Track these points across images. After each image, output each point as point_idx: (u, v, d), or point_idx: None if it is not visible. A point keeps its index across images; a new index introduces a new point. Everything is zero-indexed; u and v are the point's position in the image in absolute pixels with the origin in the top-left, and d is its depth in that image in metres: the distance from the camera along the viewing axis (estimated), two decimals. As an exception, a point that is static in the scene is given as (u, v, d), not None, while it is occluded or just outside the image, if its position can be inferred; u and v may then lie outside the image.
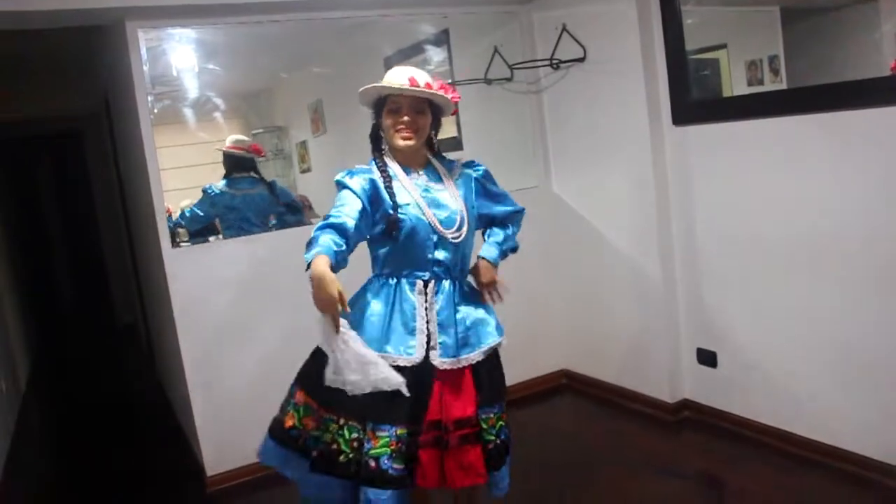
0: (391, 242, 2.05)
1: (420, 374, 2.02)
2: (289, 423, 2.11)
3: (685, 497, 2.81)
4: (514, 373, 3.70)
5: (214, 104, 3.41)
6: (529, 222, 3.90)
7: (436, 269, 2.08)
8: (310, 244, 1.88)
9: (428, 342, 2.05)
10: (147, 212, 3.35)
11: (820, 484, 2.74)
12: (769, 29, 3.12)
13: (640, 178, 3.37)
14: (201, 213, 3.39)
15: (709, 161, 3.15)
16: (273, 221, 3.50)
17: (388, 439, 1.97)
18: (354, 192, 1.99)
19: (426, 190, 2.10)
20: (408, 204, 2.05)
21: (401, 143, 2.07)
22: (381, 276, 2.12)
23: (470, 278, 2.25)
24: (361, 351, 1.91)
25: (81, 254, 7.78)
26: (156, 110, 3.17)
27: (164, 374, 4.63)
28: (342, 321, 1.89)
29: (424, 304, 2.07)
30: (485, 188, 2.25)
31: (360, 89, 2.09)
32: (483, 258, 2.25)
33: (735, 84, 3.19)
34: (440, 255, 2.08)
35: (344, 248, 1.88)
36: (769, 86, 3.08)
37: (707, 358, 3.32)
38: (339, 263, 1.86)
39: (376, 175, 2.06)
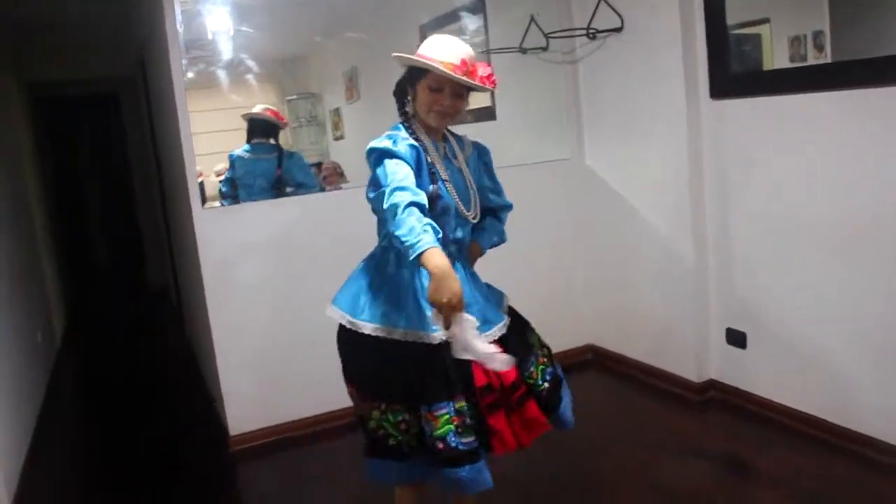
0: None
1: (449, 347, 1.90)
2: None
3: (707, 478, 2.78)
4: (539, 346, 3.72)
5: (248, 68, 3.40)
6: (560, 194, 3.94)
7: (452, 248, 2.01)
8: (402, 223, 1.72)
9: None
10: (179, 173, 3.37)
11: (849, 473, 2.67)
12: (814, 3, 3.01)
13: (674, 153, 3.30)
14: (228, 177, 3.44)
15: (746, 137, 3.06)
16: (289, 190, 3.50)
17: (448, 416, 1.88)
18: (408, 163, 1.89)
19: (449, 165, 2.04)
20: (443, 179, 1.99)
21: (435, 122, 1.99)
22: (392, 248, 1.96)
23: None
24: (479, 346, 1.81)
25: (116, 216, 7.91)
26: (190, 74, 3.17)
27: (193, 335, 4.71)
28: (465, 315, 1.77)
29: None
30: (489, 173, 2.18)
31: (404, 56, 1.98)
32: (475, 243, 2.18)
33: (777, 60, 3.07)
34: (460, 233, 2.03)
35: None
36: (812, 62, 2.98)
37: (737, 339, 3.26)
38: None
39: (413, 143, 1.96)
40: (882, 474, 2.62)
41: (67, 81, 6.43)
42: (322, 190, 3.56)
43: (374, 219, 2.01)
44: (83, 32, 5.73)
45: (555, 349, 3.84)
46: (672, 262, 3.43)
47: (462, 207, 2.01)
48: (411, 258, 1.71)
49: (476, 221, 2.07)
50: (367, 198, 1.95)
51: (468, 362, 1.92)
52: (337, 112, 3.75)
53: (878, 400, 2.70)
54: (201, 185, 3.31)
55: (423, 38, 2.05)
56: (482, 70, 1.96)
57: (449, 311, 1.71)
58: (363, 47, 3.71)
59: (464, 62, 1.93)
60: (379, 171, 1.88)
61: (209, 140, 3.36)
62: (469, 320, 1.77)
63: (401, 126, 2.02)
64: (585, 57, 3.74)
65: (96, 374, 5.07)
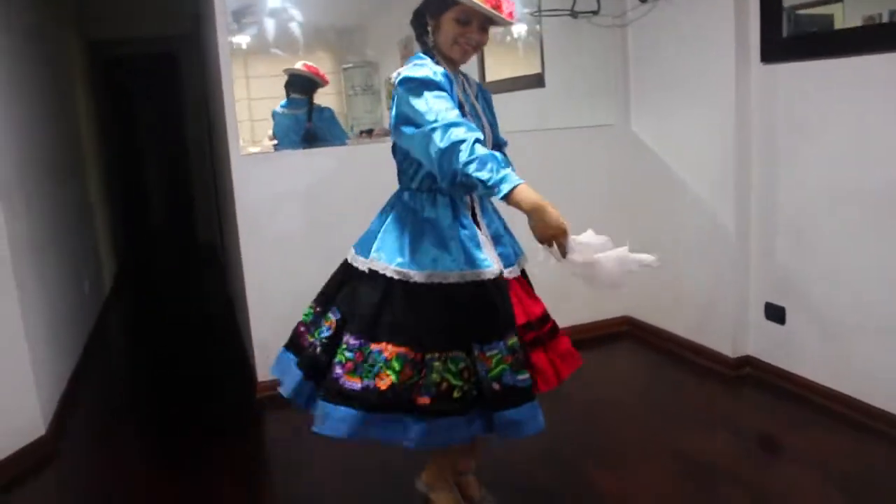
0: None
1: (495, 285, 1.89)
2: (384, 385, 1.82)
3: (737, 455, 2.67)
4: (576, 315, 3.68)
5: (305, 36, 3.46)
6: (603, 160, 3.84)
7: None
8: (475, 161, 1.66)
9: None
10: (220, 121, 3.40)
11: (887, 457, 2.55)
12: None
13: (721, 119, 3.18)
14: (272, 133, 3.52)
15: (798, 102, 2.93)
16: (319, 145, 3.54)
17: (500, 355, 1.83)
18: (451, 96, 1.81)
19: (467, 100, 1.98)
20: (468, 115, 1.92)
21: (459, 56, 1.93)
22: (426, 191, 1.91)
23: None
24: (606, 254, 1.80)
25: (171, 173, 8.10)
26: (247, 38, 3.25)
27: (231, 287, 4.78)
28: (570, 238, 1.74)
29: (478, 220, 1.98)
30: (492, 111, 2.11)
31: None
32: None
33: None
34: None
35: None
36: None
37: (775, 313, 3.14)
38: None
39: (447, 73, 1.89)
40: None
41: (126, 40, 6.57)
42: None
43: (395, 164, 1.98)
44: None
45: (591, 319, 3.87)
46: (713, 234, 3.32)
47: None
48: (499, 196, 1.66)
49: None
50: (400, 134, 1.85)
51: (510, 301, 1.90)
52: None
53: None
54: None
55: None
56: (506, 6, 1.88)
57: (563, 240, 1.71)
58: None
59: None
60: (417, 103, 1.77)
61: (266, 105, 3.44)
62: (582, 243, 1.74)
63: (425, 56, 1.93)
64: (636, 20, 3.62)
65: (138, 323, 5.22)
